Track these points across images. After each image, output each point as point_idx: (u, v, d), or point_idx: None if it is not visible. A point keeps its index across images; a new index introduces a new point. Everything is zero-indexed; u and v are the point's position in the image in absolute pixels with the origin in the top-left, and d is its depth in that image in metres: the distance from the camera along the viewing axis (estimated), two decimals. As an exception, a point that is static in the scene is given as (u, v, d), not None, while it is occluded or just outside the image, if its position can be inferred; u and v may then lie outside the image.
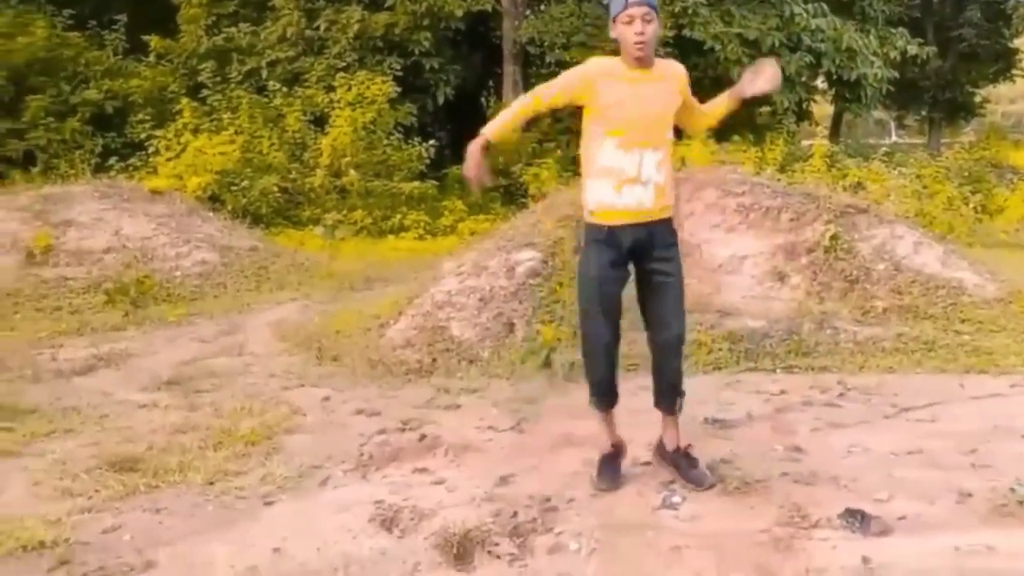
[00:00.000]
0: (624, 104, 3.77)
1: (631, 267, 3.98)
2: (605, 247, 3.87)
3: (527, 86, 18.55)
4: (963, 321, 6.58)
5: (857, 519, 3.53)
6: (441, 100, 17.47)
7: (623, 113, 3.77)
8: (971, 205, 12.74)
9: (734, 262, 7.24)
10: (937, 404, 5.16)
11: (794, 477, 4.06)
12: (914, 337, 6.38)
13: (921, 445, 4.46)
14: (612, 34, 3.83)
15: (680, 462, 4.07)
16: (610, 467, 4.09)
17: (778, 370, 5.99)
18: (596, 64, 3.89)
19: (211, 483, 4.19)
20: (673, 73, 3.95)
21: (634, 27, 3.71)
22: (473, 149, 3.92)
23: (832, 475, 4.08)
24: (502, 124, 4.01)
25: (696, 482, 3.98)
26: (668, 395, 4.09)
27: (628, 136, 3.77)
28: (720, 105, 4.14)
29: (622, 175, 3.79)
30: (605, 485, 4.01)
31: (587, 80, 3.84)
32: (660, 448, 4.17)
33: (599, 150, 3.83)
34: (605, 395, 4.06)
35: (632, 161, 3.78)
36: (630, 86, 3.78)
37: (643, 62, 3.80)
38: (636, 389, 5.52)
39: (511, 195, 15.65)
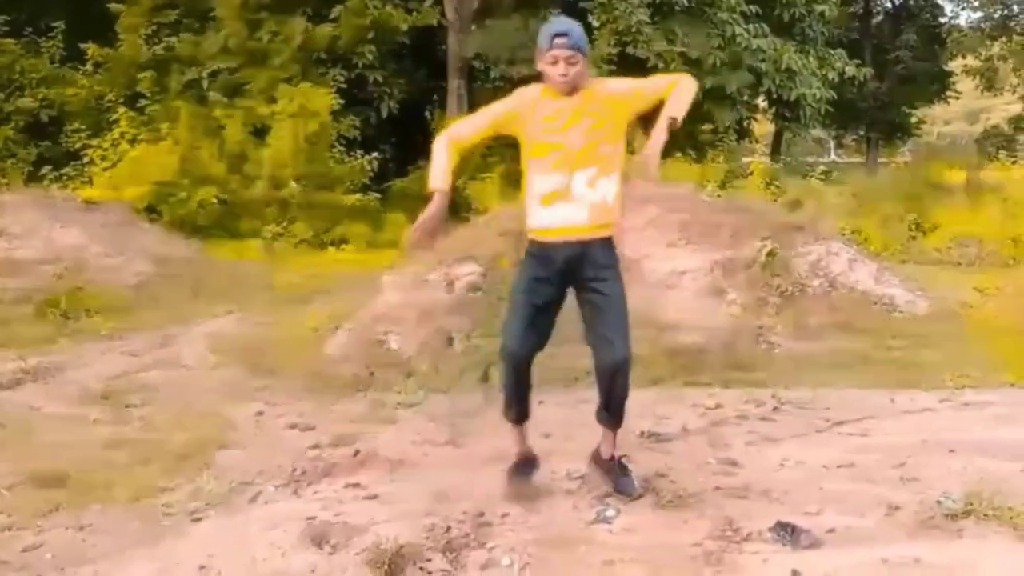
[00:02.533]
0: (551, 126, 3.76)
1: (567, 290, 3.93)
2: (535, 261, 3.86)
3: (471, 100, 18.59)
4: (895, 337, 6.71)
5: (788, 532, 3.54)
6: (385, 113, 17.44)
7: (550, 136, 3.77)
8: (906, 223, 13.01)
9: (673, 277, 7.32)
10: (869, 418, 5.23)
11: (727, 491, 4.07)
12: (848, 352, 6.49)
13: (852, 459, 4.51)
14: (538, 66, 3.83)
15: (613, 470, 4.08)
16: (519, 476, 4.06)
17: (715, 384, 6.03)
18: (520, 95, 3.90)
19: (138, 499, 4.10)
20: (596, 93, 3.86)
21: (558, 68, 3.73)
22: (439, 208, 3.84)
23: (765, 488, 4.10)
24: (446, 170, 3.91)
25: (626, 492, 3.98)
26: (613, 417, 4.07)
27: (555, 156, 3.76)
28: (672, 88, 3.90)
29: (551, 193, 3.78)
30: (518, 486, 3.99)
31: (512, 112, 3.85)
32: (596, 455, 4.17)
33: (531, 173, 3.84)
34: (512, 407, 4.05)
35: (561, 180, 3.76)
36: (556, 109, 3.78)
37: (569, 92, 3.80)
38: (575, 402, 5.55)
39: (455, 209, 15.60)
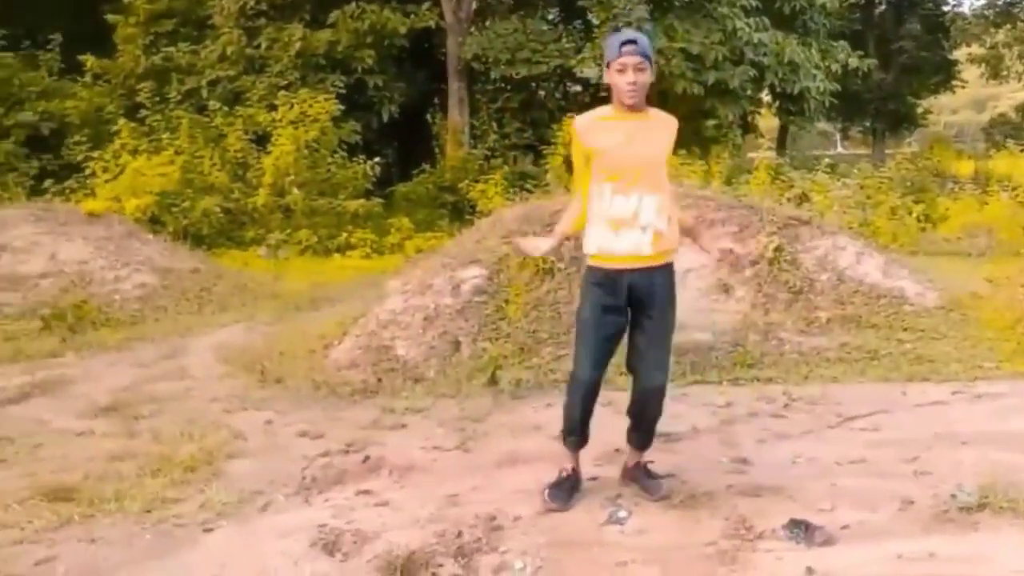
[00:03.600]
0: (617, 149, 3.79)
1: (628, 313, 3.96)
2: (600, 290, 3.89)
3: (472, 102, 18.60)
4: (905, 330, 6.67)
5: (801, 529, 3.53)
6: (386, 117, 17.43)
7: (617, 159, 3.80)
8: (914, 215, 12.95)
9: (679, 275, 7.25)
10: (880, 413, 5.22)
11: (740, 489, 4.06)
12: (857, 347, 6.45)
13: (864, 454, 4.49)
14: (606, 79, 3.87)
15: (638, 475, 4.14)
16: (563, 489, 4.05)
17: (724, 382, 6.01)
18: (582, 122, 3.94)
19: (149, 511, 4.07)
20: (666, 121, 3.95)
21: (626, 76, 3.76)
22: (550, 247, 4.21)
23: (777, 486, 4.08)
24: (570, 221, 4.07)
25: (649, 491, 4.03)
26: (643, 439, 4.14)
27: (624, 180, 3.79)
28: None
29: (619, 219, 3.80)
30: (555, 505, 3.97)
31: (580, 142, 3.89)
32: (625, 471, 4.23)
33: (598, 196, 3.86)
34: (574, 435, 4.10)
35: (629, 205, 3.80)
36: (624, 131, 3.81)
37: (635, 108, 3.83)
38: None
39: (458, 212, 15.65)
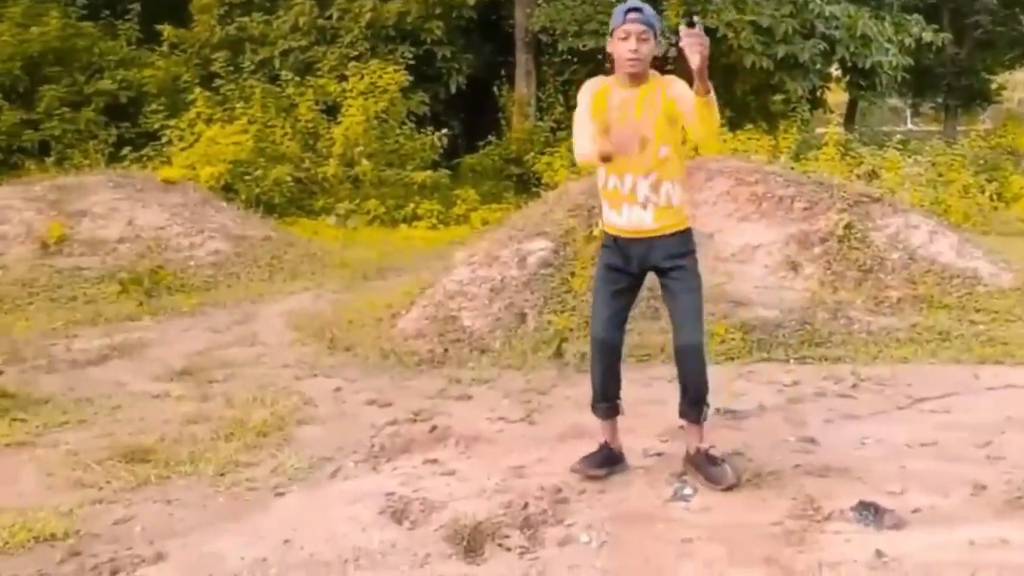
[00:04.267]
0: (610, 129, 3.76)
1: (643, 276, 4.04)
2: (610, 252, 3.99)
3: (540, 75, 18.50)
4: (978, 311, 6.54)
5: (871, 512, 3.50)
6: (454, 89, 17.41)
7: (610, 136, 3.74)
8: (987, 193, 12.62)
9: (747, 251, 7.20)
10: (951, 395, 5.13)
11: (807, 469, 4.03)
12: (928, 327, 6.34)
13: (935, 437, 4.43)
14: (608, 48, 3.85)
15: (700, 461, 4.03)
16: (597, 459, 4.08)
17: (791, 360, 5.96)
18: (587, 87, 3.92)
19: (222, 474, 4.19)
20: (661, 87, 3.80)
21: (629, 44, 3.73)
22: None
23: (845, 467, 4.05)
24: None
25: (714, 480, 3.91)
26: (693, 407, 4.08)
27: (616, 161, 3.78)
28: (693, 104, 3.64)
29: (618, 196, 3.88)
30: (584, 468, 4.01)
31: (592, 104, 3.84)
32: (687, 456, 4.13)
33: (599, 173, 3.94)
34: (601, 401, 4.10)
35: (625, 184, 3.85)
36: (619, 107, 3.80)
37: (636, 78, 3.80)
38: (648, 379, 5.55)
39: (523, 184, 15.62)
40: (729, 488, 3.88)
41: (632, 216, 3.86)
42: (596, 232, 4.06)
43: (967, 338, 6.14)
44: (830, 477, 3.94)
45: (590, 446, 4.40)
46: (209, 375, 6.05)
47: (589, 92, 3.90)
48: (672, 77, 3.87)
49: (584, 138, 3.79)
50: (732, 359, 6.02)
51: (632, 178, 3.82)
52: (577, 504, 3.74)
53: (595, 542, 3.42)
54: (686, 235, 3.97)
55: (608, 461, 4.10)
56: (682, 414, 4.11)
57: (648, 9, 3.79)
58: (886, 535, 3.38)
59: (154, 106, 15.30)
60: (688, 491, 3.84)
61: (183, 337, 7.26)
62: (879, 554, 3.22)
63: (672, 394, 5.13)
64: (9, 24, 16.10)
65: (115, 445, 4.54)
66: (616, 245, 3.95)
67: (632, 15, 3.73)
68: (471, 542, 3.40)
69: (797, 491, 3.78)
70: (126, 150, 14.21)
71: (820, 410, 4.94)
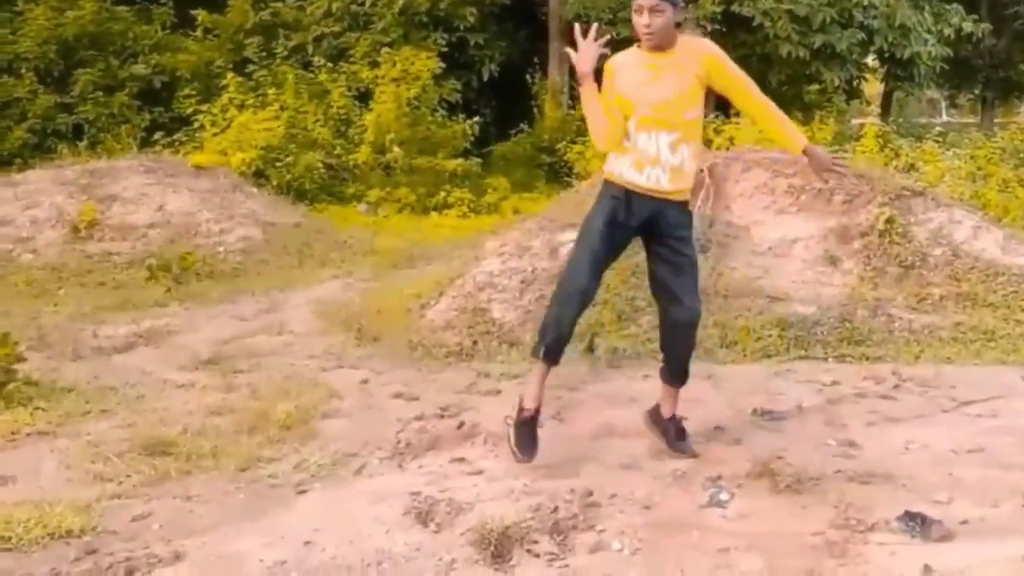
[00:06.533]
0: (638, 88, 3.90)
1: (640, 243, 4.14)
2: (616, 203, 3.99)
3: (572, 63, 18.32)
4: (1024, 310, 6.32)
5: (917, 523, 3.34)
6: (486, 76, 17.28)
7: (637, 96, 3.90)
8: (1029, 187, 12.29)
9: (784, 245, 7.01)
10: (998, 398, 4.94)
11: (848, 475, 3.87)
12: (973, 326, 6.14)
13: (982, 442, 4.25)
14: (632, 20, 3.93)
15: (670, 429, 4.20)
16: (529, 434, 4.01)
17: (830, 359, 5.79)
18: (613, 60, 4.04)
19: (244, 469, 4.09)
20: (693, 53, 3.94)
21: (642, 18, 3.83)
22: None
23: (888, 473, 3.89)
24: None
25: (679, 450, 4.15)
26: (677, 375, 4.21)
27: (643, 118, 3.90)
28: (777, 126, 4.13)
29: (643, 155, 3.93)
30: (526, 456, 3.95)
31: (608, 78, 4.00)
32: (654, 413, 4.29)
33: (623, 132, 3.97)
34: (552, 345, 4.03)
35: (650, 142, 3.91)
36: (645, 70, 3.91)
37: (657, 48, 3.89)
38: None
39: (555, 173, 15.47)
40: (692, 457, 4.09)
41: (651, 175, 3.92)
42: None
43: (1013, 338, 5.94)
44: (873, 484, 3.78)
45: (621, 446, 4.29)
46: (234, 365, 5.97)
47: (606, 74, 4.01)
48: (715, 51, 3.98)
49: (595, 122, 3.99)
50: (768, 356, 5.86)
51: (656, 138, 3.90)
52: (608, 508, 3.61)
53: (627, 550, 3.28)
54: (688, 206, 4.11)
55: (535, 428, 4.06)
56: (665, 379, 4.23)
57: None
58: (934, 548, 3.22)
59: (187, 91, 15.31)
60: (724, 496, 3.70)
61: (210, 324, 7.19)
62: (927, 569, 3.06)
63: (708, 393, 5.02)
64: (44, 8, 16.15)
65: (136, 436, 4.46)
66: (626, 198, 3.97)
67: None
68: (498, 547, 3.28)
69: (839, 498, 3.62)
70: (158, 135, 14.20)
71: (861, 412, 4.77)
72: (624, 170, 3.97)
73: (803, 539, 3.32)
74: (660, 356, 4.26)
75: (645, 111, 3.88)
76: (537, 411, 4.07)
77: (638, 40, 3.93)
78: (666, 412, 4.23)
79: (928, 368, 5.53)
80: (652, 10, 3.78)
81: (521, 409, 4.05)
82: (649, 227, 4.01)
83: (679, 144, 3.91)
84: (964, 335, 6.05)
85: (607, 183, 4.06)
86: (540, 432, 4.09)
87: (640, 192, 3.95)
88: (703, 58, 3.92)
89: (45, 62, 15.82)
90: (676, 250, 4.00)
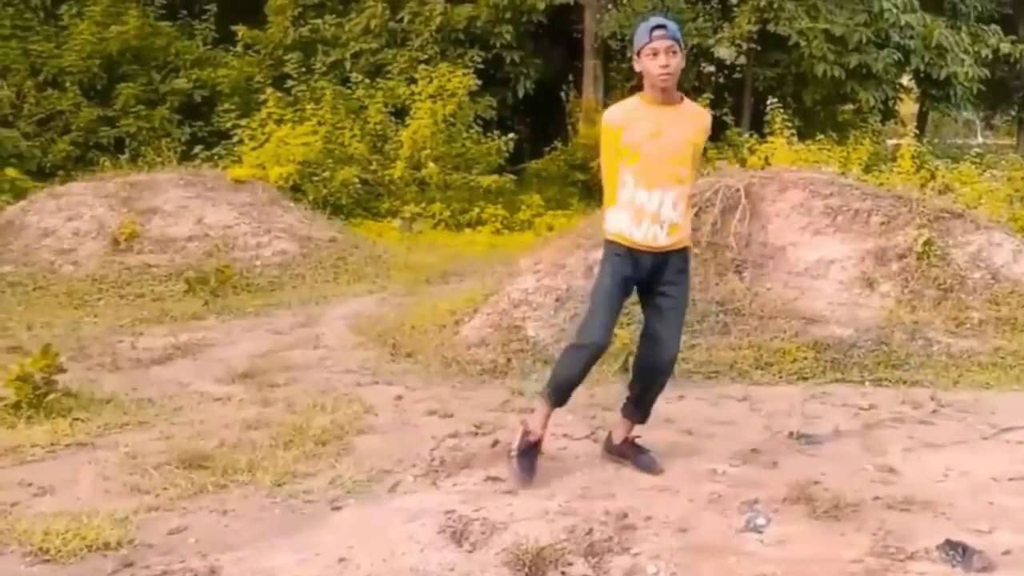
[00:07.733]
0: (646, 143, 3.95)
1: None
2: (623, 262, 4.05)
3: (607, 81, 18.33)
4: (1066, 336, 6.23)
5: (958, 552, 3.29)
6: (521, 94, 17.36)
7: (643, 152, 3.95)
8: (1066, 211, 12.11)
9: (820, 266, 6.96)
10: (1038, 426, 4.86)
11: (887, 502, 3.83)
12: (1013, 351, 6.07)
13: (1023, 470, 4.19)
14: (636, 67, 4.01)
15: (628, 451, 4.27)
16: (531, 459, 4.14)
17: (867, 382, 5.75)
18: (612, 114, 4.11)
19: (280, 484, 4.11)
20: (696, 115, 4.15)
21: (659, 60, 3.88)
22: None
23: (928, 500, 3.84)
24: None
25: (647, 468, 4.18)
26: (643, 413, 4.31)
27: (647, 175, 3.95)
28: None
29: (642, 212, 3.98)
30: (527, 477, 4.07)
31: (612, 134, 4.04)
32: (608, 443, 4.38)
33: (622, 184, 4.02)
34: (566, 393, 4.22)
35: (652, 200, 3.96)
36: (654, 123, 3.95)
37: (668, 95, 3.97)
38: (716, 397, 5.40)
39: (588, 190, 15.47)
40: (660, 473, 4.13)
41: (648, 232, 3.99)
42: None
43: (1055, 365, 5.86)
44: (912, 512, 3.74)
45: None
46: (271, 378, 6.01)
47: (616, 123, 4.04)
48: (709, 122, 4.20)
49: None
50: (804, 379, 5.82)
51: (660, 195, 3.95)
52: (644, 531, 3.58)
53: (663, 573, 3.26)
54: (687, 252, 4.22)
55: (537, 455, 4.19)
56: (629, 415, 4.30)
57: (672, 25, 3.95)
58: (975, 578, 3.18)
59: (227, 105, 15.52)
60: (761, 521, 3.66)
61: (247, 338, 7.25)
62: (968, 600, 3.03)
63: (744, 416, 4.99)
64: (89, 23, 16.46)
65: (174, 449, 4.50)
66: (630, 256, 4.04)
67: (658, 32, 3.88)
68: (532, 569, 3.27)
69: (878, 526, 3.58)
70: (198, 148, 14.41)
71: (899, 437, 4.72)
72: (623, 227, 4.03)
73: (843, 567, 3.28)
74: (626, 395, 4.35)
75: (650, 168, 3.95)
76: (542, 438, 4.22)
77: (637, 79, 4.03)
78: (617, 438, 4.33)
79: (967, 393, 5.47)
80: (668, 51, 3.86)
81: (526, 433, 4.17)
82: (653, 276, 4.09)
83: (680, 202, 4.01)
84: (1003, 360, 5.99)
85: (608, 243, 4.12)
86: (574, 451, 4.10)
87: (641, 249, 4.02)
88: (700, 127, 4.09)
89: (89, 76, 16.10)
90: (666, 294, 4.09)
